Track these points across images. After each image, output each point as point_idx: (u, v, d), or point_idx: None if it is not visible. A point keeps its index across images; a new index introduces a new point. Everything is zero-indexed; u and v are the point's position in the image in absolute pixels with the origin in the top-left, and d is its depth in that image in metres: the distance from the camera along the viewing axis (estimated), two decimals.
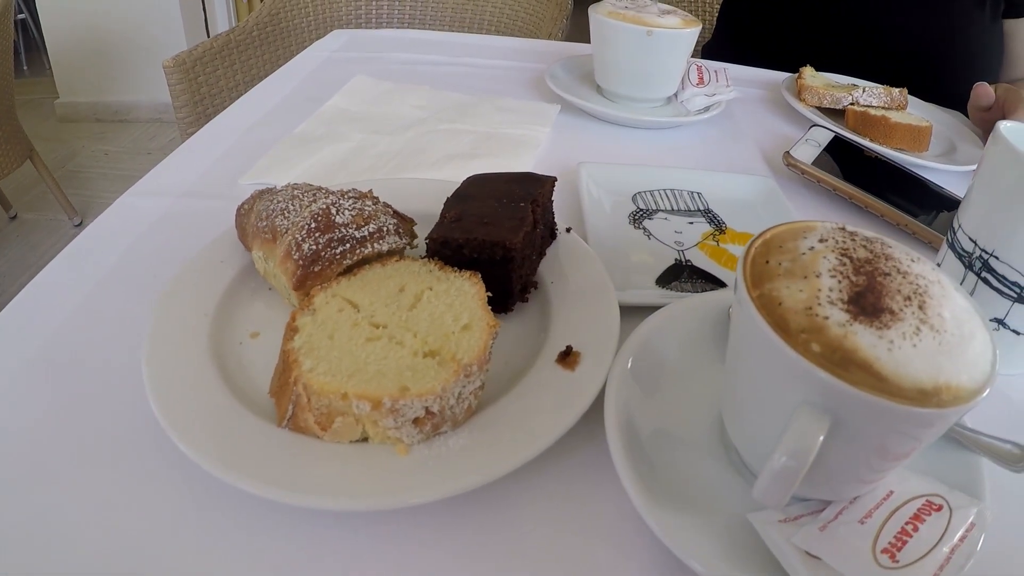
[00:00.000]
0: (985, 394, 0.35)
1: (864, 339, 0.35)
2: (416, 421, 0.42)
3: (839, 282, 0.39)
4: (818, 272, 0.39)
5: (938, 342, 0.36)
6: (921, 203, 0.83)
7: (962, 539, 0.40)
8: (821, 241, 0.42)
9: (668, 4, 0.98)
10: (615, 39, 0.92)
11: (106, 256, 0.62)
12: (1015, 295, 0.57)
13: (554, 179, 0.59)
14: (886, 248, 0.42)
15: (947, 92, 1.16)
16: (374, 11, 1.82)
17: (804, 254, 0.41)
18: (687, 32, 0.91)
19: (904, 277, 0.40)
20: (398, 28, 1.80)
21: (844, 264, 0.40)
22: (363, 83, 0.99)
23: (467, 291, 0.50)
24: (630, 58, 0.93)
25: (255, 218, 0.57)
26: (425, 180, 0.65)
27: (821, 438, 0.35)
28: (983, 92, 1.01)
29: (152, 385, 0.44)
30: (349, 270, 0.53)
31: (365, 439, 0.43)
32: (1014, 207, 0.55)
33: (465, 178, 0.60)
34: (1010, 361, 0.59)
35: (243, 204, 0.60)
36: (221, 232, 0.59)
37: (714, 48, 1.47)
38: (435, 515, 0.43)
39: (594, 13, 0.92)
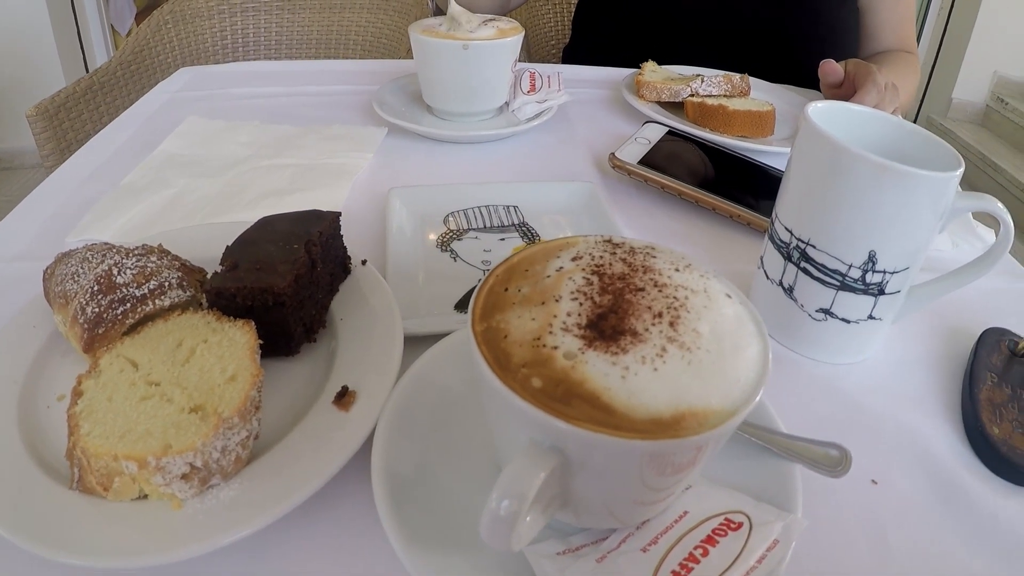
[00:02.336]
0: (740, 417, 0.32)
1: (595, 368, 0.33)
2: (184, 476, 0.43)
3: (580, 305, 0.36)
4: (558, 296, 0.37)
5: (687, 361, 0.34)
6: (759, 191, 0.82)
7: (760, 559, 0.37)
8: (574, 260, 0.40)
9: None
10: (433, 57, 0.91)
11: None
12: (838, 283, 0.55)
13: (337, 214, 0.59)
14: (648, 259, 0.40)
15: (806, 73, 1.16)
16: (240, 40, 1.78)
17: (548, 277, 0.38)
18: (505, 42, 0.91)
19: (660, 291, 0.37)
20: (266, 56, 1.77)
21: (591, 284, 0.38)
22: (194, 124, 0.96)
23: (238, 341, 0.49)
24: (451, 74, 0.92)
25: (54, 283, 0.57)
26: (223, 224, 0.64)
27: (542, 477, 0.32)
28: (830, 69, 1.00)
29: None
30: (135, 328, 0.53)
31: (145, 496, 0.43)
32: (826, 193, 0.53)
33: (256, 220, 0.59)
34: (840, 351, 0.59)
35: (47, 267, 0.59)
36: (34, 296, 0.59)
37: (571, 51, 1.48)
38: (205, 568, 0.43)
39: (412, 32, 0.91)
